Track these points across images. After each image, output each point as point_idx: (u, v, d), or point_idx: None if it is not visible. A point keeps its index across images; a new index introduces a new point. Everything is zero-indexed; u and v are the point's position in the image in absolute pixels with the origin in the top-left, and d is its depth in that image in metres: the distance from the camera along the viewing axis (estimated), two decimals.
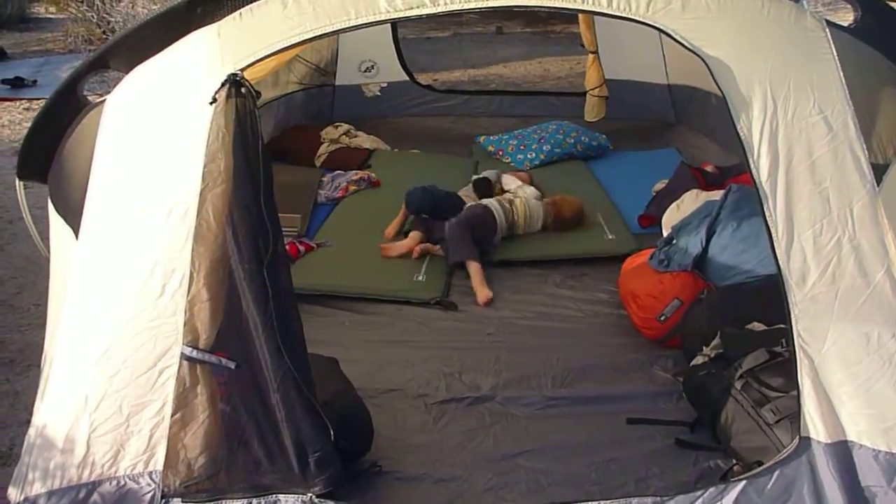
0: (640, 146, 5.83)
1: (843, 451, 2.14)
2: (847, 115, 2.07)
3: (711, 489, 2.19)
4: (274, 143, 5.40)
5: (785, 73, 2.07)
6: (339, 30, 2.11)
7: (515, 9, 2.03)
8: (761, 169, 2.09)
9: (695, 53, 2.08)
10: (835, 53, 2.07)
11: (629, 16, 2.06)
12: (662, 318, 3.23)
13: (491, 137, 5.90)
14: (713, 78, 2.08)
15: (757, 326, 2.88)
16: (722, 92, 2.09)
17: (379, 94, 6.58)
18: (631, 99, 6.02)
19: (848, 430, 2.14)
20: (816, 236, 2.10)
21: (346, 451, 2.38)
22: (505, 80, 8.71)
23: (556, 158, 5.55)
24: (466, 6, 2.03)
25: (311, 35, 2.12)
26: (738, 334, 2.84)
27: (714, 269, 3.35)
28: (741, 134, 2.08)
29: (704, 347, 2.87)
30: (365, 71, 6.55)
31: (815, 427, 2.14)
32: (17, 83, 8.27)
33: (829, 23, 2.09)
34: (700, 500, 2.18)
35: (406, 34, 8.16)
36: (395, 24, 6.46)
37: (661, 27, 2.07)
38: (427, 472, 2.54)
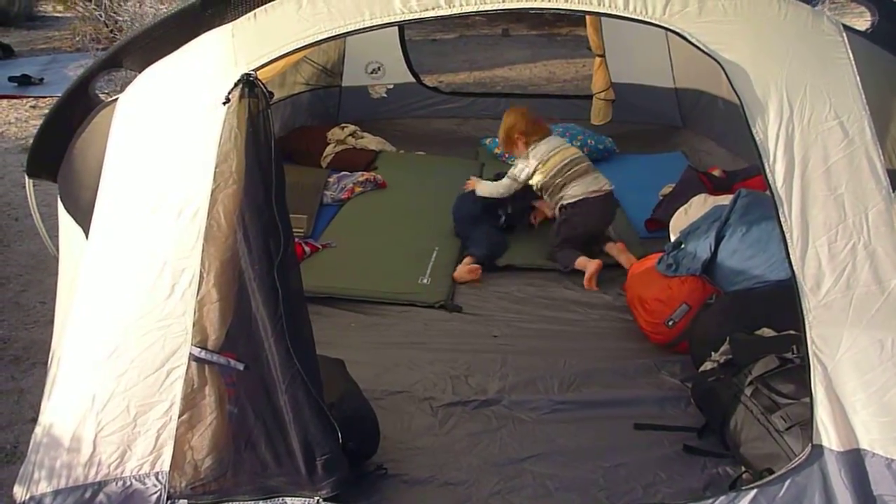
0: (647, 150, 5.81)
1: (855, 460, 2.12)
2: (863, 121, 2.05)
3: (722, 497, 2.17)
4: (280, 144, 5.35)
5: (801, 78, 2.05)
6: (354, 31, 2.10)
7: (531, 11, 2.01)
8: (777, 174, 2.07)
9: (711, 57, 2.06)
10: (851, 58, 2.05)
11: (645, 18, 2.04)
12: (670, 324, 3.22)
13: (497, 140, 5.89)
14: (729, 82, 2.06)
15: (766, 332, 2.86)
16: (738, 96, 2.07)
17: (385, 95, 6.57)
18: (637, 102, 6.01)
19: (861, 438, 2.13)
20: (831, 242, 2.08)
21: (353, 453, 2.37)
22: (511, 83, 8.71)
23: None
24: (482, 7, 2.02)
25: (325, 36, 2.11)
26: (748, 340, 2.82)
27: (723, 274, 3.33)
28: (757, 139, 2.07)
29: (713, 353, 2.85)
30: (371, 72, 6.55)
31: (828, 435, 2.13)
32: (24, 81, 8.28)
33: (845, 27, 2.07)
34: None
35: (412, 36, 8.16)
36: (402, 25, 6.45)
37: (678, 30, 2.05)
38: (433, 476, 2.53)
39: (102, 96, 2.38)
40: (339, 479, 2.25)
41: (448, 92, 6.90)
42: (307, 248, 4.07)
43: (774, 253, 3.19)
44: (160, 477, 2.22)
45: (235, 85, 2.08)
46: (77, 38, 9.63)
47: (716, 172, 4.72)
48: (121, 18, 8.29)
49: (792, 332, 2.72)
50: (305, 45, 2.13)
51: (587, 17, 5.60)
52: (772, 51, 2.07)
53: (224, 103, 2.09)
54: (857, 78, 2.05)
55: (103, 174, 2.23)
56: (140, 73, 2.24)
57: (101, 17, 8.77)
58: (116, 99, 2.27)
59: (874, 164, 2.06)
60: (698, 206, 3.97)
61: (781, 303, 2.78)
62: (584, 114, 5.83)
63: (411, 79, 6.62)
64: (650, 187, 4.73)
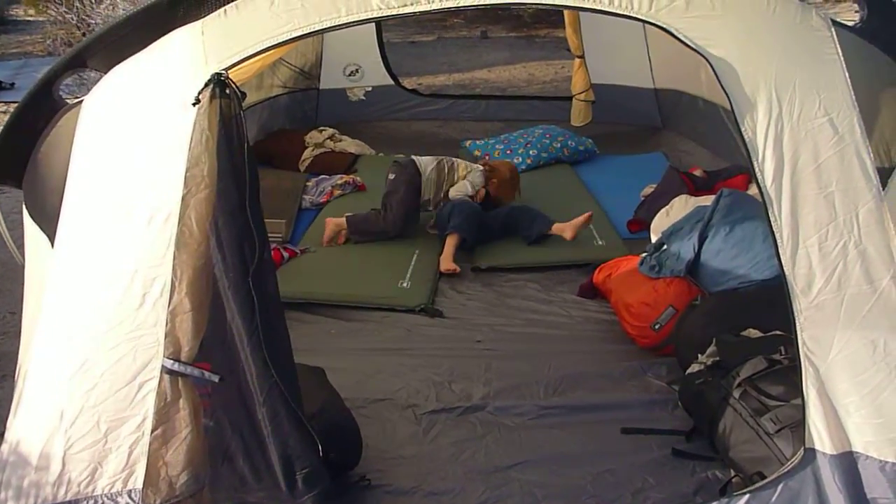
0: (627, 150, 5.82)
1: (849, 463, 2.09)
2: (853, 118, 2.02)
3: (714, 503, 2.13)
4: (257, 148, 5.34)
5: (790, 74, 2.02)
6: (330, 27, 2.04)
7: (512, 6, 1.98)
8: (766, 173, 2.03)
9: (698, 53, 2.02)
10: (840, 54, 2.02)
11: (632, 14, 2.00)
12: (657, 327, 3.18)
13: (477, 142, 5.87)
14: (717, 78, 2.02)
15: (753, 333, 2.83)
16: (726, 93, 2.03)
17: (364, 97, 6.55)
18: (617, 103, 6.02)
19: (854, 440, 2.09)
20: (822, 242, 2.04)
21: (335, 464, 2.32)
22: (490, 85, 8.70)
23: (542, 163, 5.54)
24: (462, 4, 1.96)
25: (299, 33, 2.04)
26: (735, 341, 2.78)
27: (707, 275, 3.31)
28: (746, 136, 2.03)
29: (700, 355, 2.81)
30: (350, 75, 6.52)
31: (821, 438, 2.09)
32: None
33: (834, 22, 2.04)
34: None
35: (390, 38, 8.12)
36: (379, 27, 6.41)
37: (664, 26, 2.01)
38: (418, 486, 2.47)
39: (70, 99, 2.30)
40: (320, 492, 2.19)
41: (427, 94, 6.88)
42: (286, 254, 4.01)
43: (758, 252, 3.17)
44: (133, 495, 2.15)
45: (206, 85, 2.01)
46: (49, 42, 9.53)
47: (697, 172, 4.72)
48: (93, 22, 8.20)
49: (779, 332, 2.69)
50: (279, 43, 2.06)
51: (567, 18, 5.59)
52: (760, 46, 2.03)
53: (194, 104, 2.02)
54: (846, 74, 2.02)
55: (69, 179, 2.15)
56: (106, 73, 2.16)
57: (73, 20, 8.67)
58: (82, 101, 2.19)
59: (864, 162, 2.03)
60: (679, 208, 3.97)
61: (767, 303, 2.76)
62: (564, 115, 5.83)
63: (390, 81, 6.60)
64: (631, 188, 4.72)
